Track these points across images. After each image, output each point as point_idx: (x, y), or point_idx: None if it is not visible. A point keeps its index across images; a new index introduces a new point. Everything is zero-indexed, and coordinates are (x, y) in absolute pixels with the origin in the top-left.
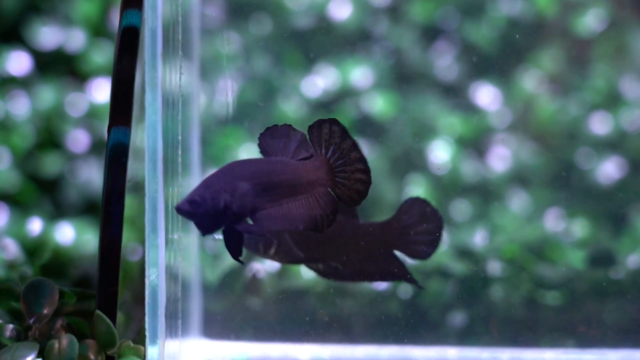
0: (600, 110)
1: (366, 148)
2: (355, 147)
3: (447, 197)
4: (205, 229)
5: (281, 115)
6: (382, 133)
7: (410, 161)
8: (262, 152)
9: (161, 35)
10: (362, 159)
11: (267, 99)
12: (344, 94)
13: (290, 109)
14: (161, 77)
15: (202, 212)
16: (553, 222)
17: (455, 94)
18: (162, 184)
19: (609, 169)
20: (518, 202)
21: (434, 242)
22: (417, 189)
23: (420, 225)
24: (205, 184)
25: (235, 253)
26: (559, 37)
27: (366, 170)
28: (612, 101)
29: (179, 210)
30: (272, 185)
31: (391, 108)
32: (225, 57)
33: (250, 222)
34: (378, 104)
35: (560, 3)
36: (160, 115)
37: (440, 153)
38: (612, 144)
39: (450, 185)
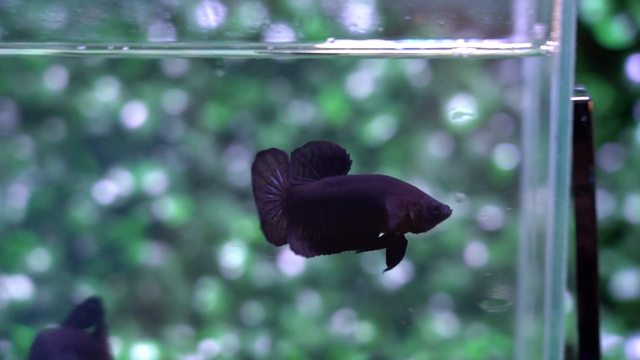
0: None
1: (159, 253)
2: None
3: (240, 300)
4: None
5: (72, 222)
6: (175, 238)
7: (203, 265)
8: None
9: None
10: None
11: (59, 205)
12: (138, 199)
13: (82, 215)
14: None
15: None
16: (341, 325)
17: (248, 199)
18: None
19: (395, 273)
20: (309, 305)
21: None
22: (209, 292)
23: None
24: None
25: None
26: (349, 143)
27: None
28: None
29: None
30: None
31: (184, 212)
32: (16, 162)
33: None
34: (171, 209)
35: (349, 110)
36: None
37: (232, 256)
38: None
39: (242, 289)
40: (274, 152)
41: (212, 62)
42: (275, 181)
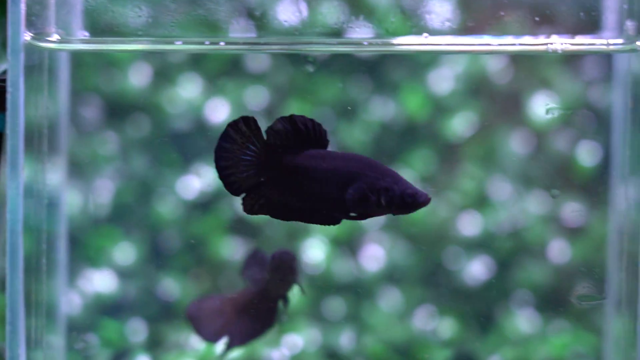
0: (468, 211)
1: (242, 248)
2: None
3: (321, 296)
4: None
5: (157, 216)
6: (256, 233)
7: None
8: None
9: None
10: None
11: (143, 200)
12: (220, 194)
13: (166, 210)
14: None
15: None
16: (423, 321)
17: None
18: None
19: (477, 269)
20: (390, 300)
21: None
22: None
23: None
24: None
25: None
26: (430, 139)
27: None
28: (480, 203)
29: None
30: None
31: None
32: (101, 157)
33: None
34: None
35: (430, 107)
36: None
37: (314, 252)
38: (480, 245)
39: (323, 285)
40: (245, 119)
41: (293, 59)
42: (251, 146)
